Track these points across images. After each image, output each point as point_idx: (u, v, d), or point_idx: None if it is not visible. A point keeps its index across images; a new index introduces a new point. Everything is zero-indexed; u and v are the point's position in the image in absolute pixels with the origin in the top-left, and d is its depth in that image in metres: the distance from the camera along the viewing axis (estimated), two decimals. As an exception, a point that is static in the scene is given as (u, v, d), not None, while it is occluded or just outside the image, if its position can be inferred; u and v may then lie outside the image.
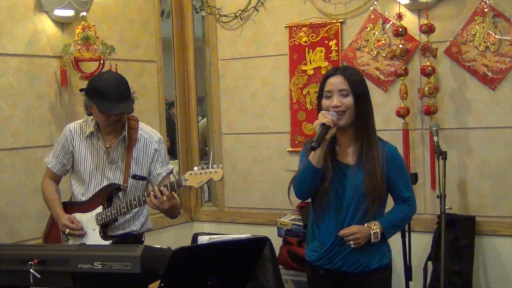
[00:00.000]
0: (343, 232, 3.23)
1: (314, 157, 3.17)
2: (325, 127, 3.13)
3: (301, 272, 4.89)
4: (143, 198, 3.65)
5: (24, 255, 3.07)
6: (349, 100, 3.22)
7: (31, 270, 3.00)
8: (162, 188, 3.58)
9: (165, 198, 3.57)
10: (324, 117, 3.15)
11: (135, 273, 2.96)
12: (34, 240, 4.54)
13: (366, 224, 3.23)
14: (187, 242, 5.00)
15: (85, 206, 3.81)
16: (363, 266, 3.27)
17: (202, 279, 3.00)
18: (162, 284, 2.92)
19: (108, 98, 3.60)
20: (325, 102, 3.25)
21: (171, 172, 3.93)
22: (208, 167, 3.56)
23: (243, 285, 3.32)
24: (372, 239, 3.23)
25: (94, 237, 3.74)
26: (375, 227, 3.24)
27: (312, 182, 3.20)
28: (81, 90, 3.88)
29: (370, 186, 3.21)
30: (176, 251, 2.90)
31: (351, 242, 3.22)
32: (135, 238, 3.88)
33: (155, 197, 3.57)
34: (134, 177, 3.80)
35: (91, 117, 3.81)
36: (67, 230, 3.75)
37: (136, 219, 3.89)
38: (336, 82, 3.24)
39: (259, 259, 3.37)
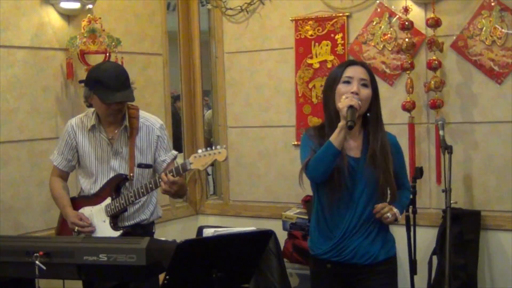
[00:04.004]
0: (378, 207, 3.20)
1: (338, 139, 3.11)
2: (353, 109, 3.10)
3: (306, 266, 4.89)
4: (150, 186, 3.66)
5: (30, 247, 3.08)
6: (367, 92, 3.21)
7: (37, 262, 3.02)
8: (168, 175, 3.58)
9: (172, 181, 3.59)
10: (351, 100, 3.11)
11: (140, 265, 2.97)
12: (39, 232, 4.55)
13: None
14: (192, 235, 5.02)
15: (94, 199, 3.82)
16: (373, 257, 3.26)
17: (207, 272, 3.01)
18: (167, 277, 2.93)
19: (109, 87, 3.60)
20: (342, 88, 3.21)
21: (175, 157, 3.93)
22: (212, 149, 3.56)
23: (247, 278, 3.33)
24: (398, 218, 3.27)
25: (104, 229, 3.75)
26: (396, 211, 3.26)
27: (330, 164, 3.14)
28: (81, 81, 3.88)
29: (384, 182, 3.21)
30: (181, 244, 2.91)
31: (389, 214, 3.20)
32: (145, 229, 3.88)
33: (164, 182, 3.58)
34: (140, 166, 3.80)
35: (92, 109, 3.81)
36: (76, 228, 3.75)
37: (145, 208, 3.89)
38: (359, 71, 3.24)
39: (263, 252, 3.38)
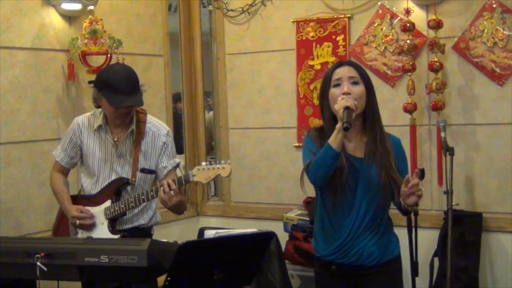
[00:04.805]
0: (414, 181, 3.09)
1: (335, 141, 3.09)
2: (349, 110, 3.09)
3: (307, 267, 4.89)
4: (151, 193, 3.65)
5: (31, 248, 3.07)
6: (359, 88, 3.20)
7: (38, 263, 3.01)
8: (170, 182, 3.57)
9: (172, 193, 3.56)
10: (347, 101, 3.10)
11: (141, 267, 2.96)
12: (40, 234, 4.55)
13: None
14: (193, 237, 5.01)
15: (94, 200, 3.81)
16: (379, 258, 3.25)
17: (208, 274, 3.00)
18: (169, 278, 2.92)
19: (118, 90, 3.59)
20: (334, 91, 3.21)
21: (177, 165, 3.91)
22: (216, 163, 3.56)
23: (249, 279, 3.33)
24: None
25: (102, 231, 3.74)
26: None
27: (330, 167, 3.13)
28: (90, 82, 3.88)
29: (387, 181, 3.19)
30: (183, 246, 2.91)
31: (421, 187, 3.12)
32: (144, 232, 3.87)
33: (164, 191, 3.57)
34: (143, 170, 3.80)
35: (99, 110, 3.80)
36: (78, 221, 3.74)
37: (144, 213, 3.88)
38: (345, 70, 3.24)
39: (265, 254, 3.37)
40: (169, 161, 3.85)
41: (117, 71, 3.69)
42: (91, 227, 3.77)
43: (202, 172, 3.56)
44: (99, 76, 3.75)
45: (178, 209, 3.75)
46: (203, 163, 3.57)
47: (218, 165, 3.55)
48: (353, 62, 3.39)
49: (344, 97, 3.15)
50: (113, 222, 3.78)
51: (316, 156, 3.17)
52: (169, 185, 3.57)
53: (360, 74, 3.25)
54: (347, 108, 3.09)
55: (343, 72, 3.24)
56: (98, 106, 3.78)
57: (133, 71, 3.73)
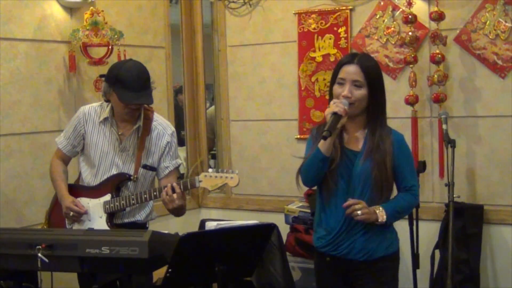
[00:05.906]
0: (350, 202, 3.17)
1: (324, 145, 3.14)
2: (336, 116, 3.10)
3: (308, 260, 4.89)
4: (154, 193, 3.65)
5: (32, 240, 3.09)
6: (360, 92, 3.20)
7: (39, 255, 3.02)
8: (175, 185, 3.58)
9: (175, 196, 3.57)
10: (336, 106, 3.12)
11: (142, 258, 2.97)
12: (41, 225, 4.55)
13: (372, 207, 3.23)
14: (194, 228, 5.01)
15: (93, 192, 3.81)
16: (369, 254, 3.25)
17: (210, 265, 3.01)
18: (170, 270, 2.93)
19: (129, 87, 3.59)
20: (336, 89, 3.23)
21: (178, 166, 3.93)
22: (224, 171, 3.56)
23: (250, 271, 3.34)
24: (379, 219, 3.20)
25: (100, 225, 3.74)
26: (380, 211, 3.21)
27: (320, 169, 3.19)
28: (101, 76, 3.87)
29: (379, 177, 3.20)
30: (184, 237, 2.92)
31: (358, 212, 3.15)
32: (141, 227, 3.87)
33: (166, 193, 3.58)
34: (145, 167, 3.80)
35: (107, 103, 3.80)
36: (71, 213, 3.74)
37: (142, 209, 3.89)
38: (352, 71, 3.21)
39: (266, 245, 3.38)
40: (171, 161, 3.86)
41: (129, 68, 3.67)
42: (84, 220, 3.77)
43: (209, 179, 3.57)
44: (110, 70, 3.73)
45: (177, 211, 3.74)
46: (210, 170, 3.59)
47: (226, 174, 3.56)
48: (364, 60, 3.26)
49: (336, 101, 3.16)
50: (111, 216, 3.78)
51: (307, 160, 3.23)
52: (173, 188, 3.57)
53: (366, 76, 3.21)
54: (334, 114, 3.11)
55: (349, 73, 3.21)
56: (107, 101, 3.77)
57: (145, 69, 3.72)
